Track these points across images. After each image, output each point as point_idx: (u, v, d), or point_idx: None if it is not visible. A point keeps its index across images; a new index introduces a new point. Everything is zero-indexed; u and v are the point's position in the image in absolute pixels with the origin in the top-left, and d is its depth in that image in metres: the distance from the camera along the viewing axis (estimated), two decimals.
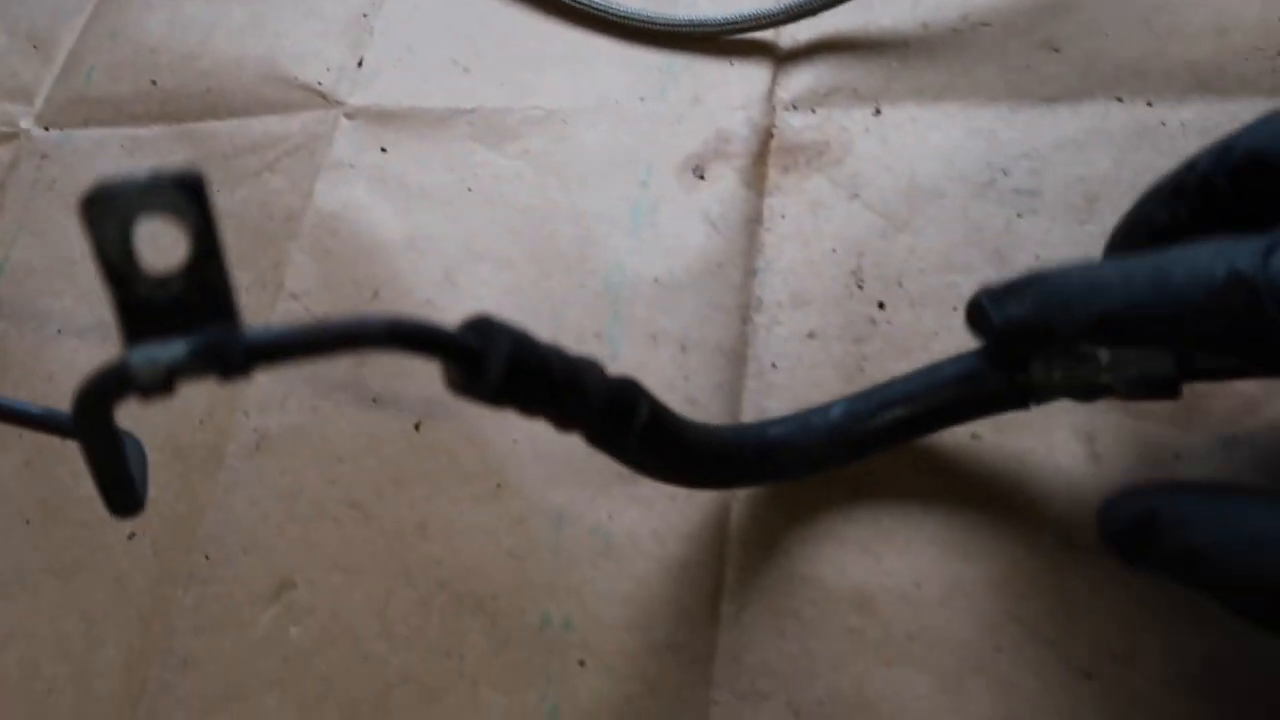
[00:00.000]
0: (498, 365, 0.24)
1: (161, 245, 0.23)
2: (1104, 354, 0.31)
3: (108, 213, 0.19)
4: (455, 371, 0.24)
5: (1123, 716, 0.31)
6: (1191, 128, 0.40)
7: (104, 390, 0.20)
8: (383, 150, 0.48)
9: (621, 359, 0.40)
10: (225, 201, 0.48)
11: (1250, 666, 0.30)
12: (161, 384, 0.20)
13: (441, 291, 0.43)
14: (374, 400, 0.41)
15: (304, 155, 0.48)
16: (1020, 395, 0.32)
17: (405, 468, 0.39)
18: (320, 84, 0.50)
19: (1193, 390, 0.34)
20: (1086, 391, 0.31)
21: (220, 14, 0.54)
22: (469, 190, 0.46)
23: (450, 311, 0.42)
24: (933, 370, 0.34)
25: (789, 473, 0.36)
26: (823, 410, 0.35)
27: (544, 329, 0.41)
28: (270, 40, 0.53)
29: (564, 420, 0.27)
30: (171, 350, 0.20)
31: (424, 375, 0.41)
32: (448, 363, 0.24)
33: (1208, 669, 0.31)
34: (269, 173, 0.48)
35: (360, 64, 0.51)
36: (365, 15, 0.52)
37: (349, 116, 0.49)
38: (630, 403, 0.29)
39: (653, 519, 0.36)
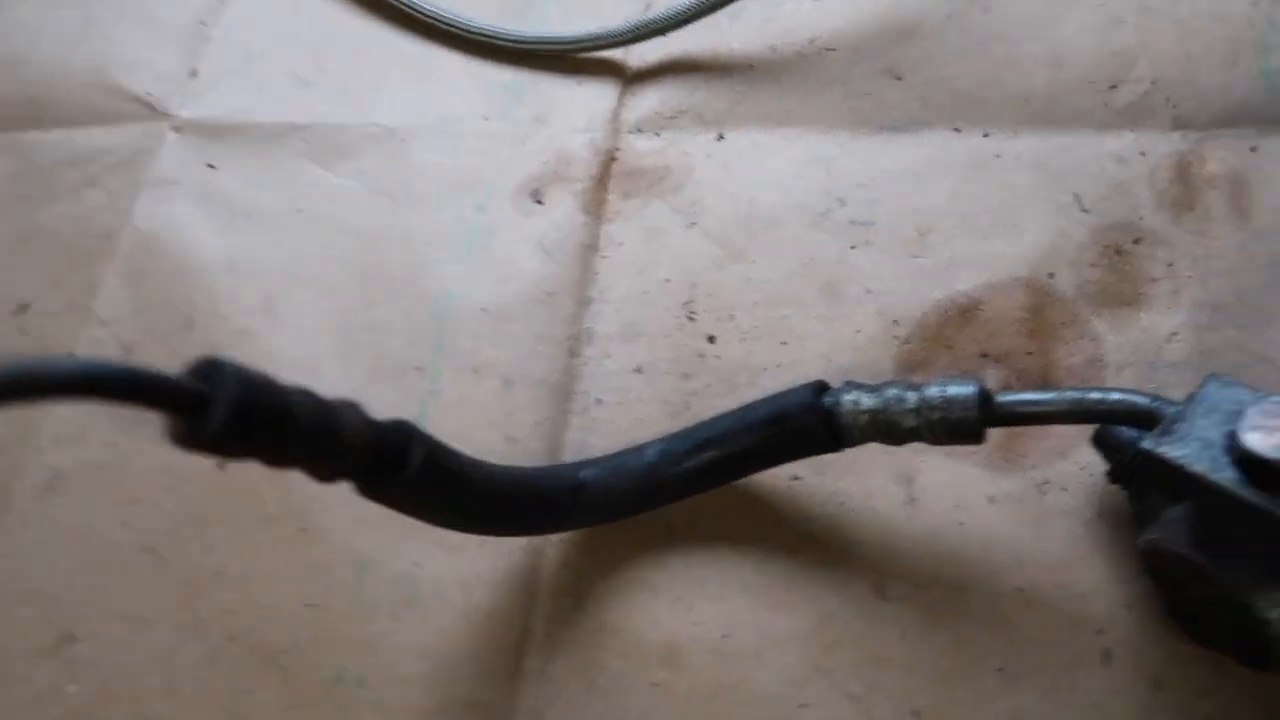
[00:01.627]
0: (222, 412, 0.22)
1: None
2: (911, 396, 0.30)
3: None
4: (176, 421, 0.22)
5: None
6: (1026, 160, 0.40)
7: None
8: (210, 166, 0.45)
9: (442, 394, 0.38)
10: (41, 218, 0.45)
11: None
12: None
13: (259, 319, 0.41)
14: None
15: (126, 170, 0.45)
16: (832, 437, 0.31)
17: (205, 509, 0.37)
18: (149, 94, 0.47)
19: (1009, 434, 0.34)
20: (894, 434, 0.31)
21: (50, 18, 0.51)
22: (298, 210, 0.43)
23: (268, 340, 0.40)
24: (747, 410, 0.33)
25: (602, 516, 0.34)
26: (638, 451, 0.34)
27: (363, 360, 0.40)
28: (101, 47, 0.50)
29: (321, 470, 0.25)
30: None
31: None
32: (166, 412, 0.22)
33: None
34: (88, 188, 0.45)
35: (194, 74, 0.48)
36: (203, 23, 0.50)
37: (177, 130, 0.46)
38: (400, 447, 0.27)
39: (461, 566, 0.35)
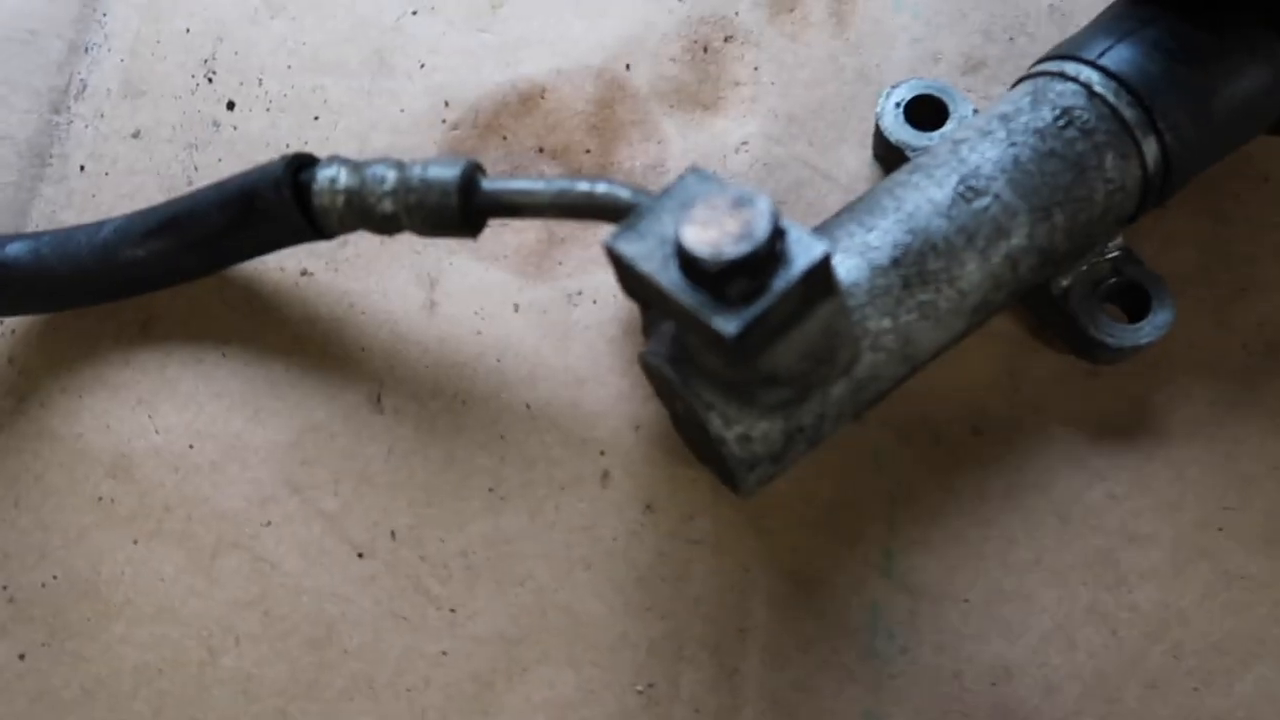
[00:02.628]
0: None
1: None
2: (391, 176, 0.25)
3: None
4: None
5: (393, 595, 0.27)
6: None
7: None
8: None
9: None
10: None
11: (513, 544, 0.28)
12: None
13: None
14: None
15: None
16: (308, 221, 0.26)
17: None
18: None
19: (550, 239, 0.31)
20: (375, 220, 0.26)
21: None
22: None
23: None
24: (218, 186, 0.27)
25: (40, 304, 0.28)
26: (93, 229, 0.28)
27: None
28: None
29: None
30: None
31: None
32: None
33: (489, 547, 0.28)
34: None
35: None
36: None
37: None
38: None
39: None
